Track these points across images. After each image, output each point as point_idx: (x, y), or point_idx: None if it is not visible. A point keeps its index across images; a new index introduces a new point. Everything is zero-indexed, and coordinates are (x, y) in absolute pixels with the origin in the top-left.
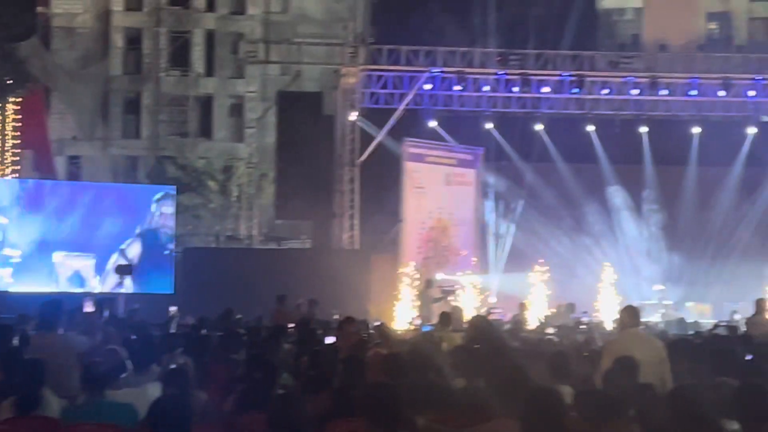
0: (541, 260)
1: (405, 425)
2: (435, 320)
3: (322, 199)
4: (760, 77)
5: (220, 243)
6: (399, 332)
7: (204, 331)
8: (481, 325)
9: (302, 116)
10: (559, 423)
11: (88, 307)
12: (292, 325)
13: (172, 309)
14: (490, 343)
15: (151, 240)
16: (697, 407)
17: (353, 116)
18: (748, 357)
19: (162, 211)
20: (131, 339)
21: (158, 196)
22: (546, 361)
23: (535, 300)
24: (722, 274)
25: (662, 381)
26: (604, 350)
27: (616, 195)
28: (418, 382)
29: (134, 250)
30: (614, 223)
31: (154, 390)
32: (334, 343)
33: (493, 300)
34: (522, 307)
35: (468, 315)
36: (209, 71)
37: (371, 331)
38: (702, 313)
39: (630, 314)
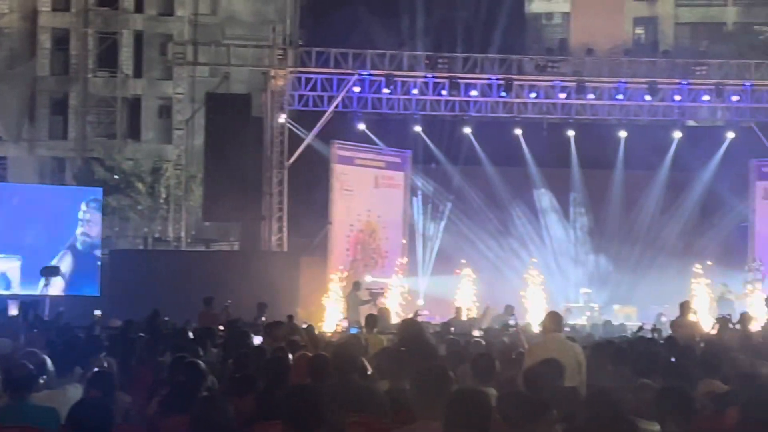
0: (463, 261)
1: (327, 428)
2: (363, 322)
3: (250, 201)
4: (686, 82)
5: (148, 245)
6: (327, 334)
7: (130, 334)
8: (410, 327)
9: (231, 118)
10: (483, 425)
11: (12, 310)
12: (221, 327)
13: (98, 312)
14: (416, 346)
15: (79, 249)
16: (615, 409)
17: (282, 118)
18: (672, 359)
19: (89, 217)
20: (55, 342)
21: (86, 202)
22: (471, 362)
23: (463, 302)
24: (648, 277)
25: (580, 384)
26: (526, 354)
27: (543, 198)
28: (341, 384)
29: (66, 263)
30: (541, 226)
31: (74, 392)
32: (260, 345)
33: (420, 302)
34: (458, 311)
35: (395, 317)
36: (137, 72)
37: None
38: (628, 316)
39: (552, 320)
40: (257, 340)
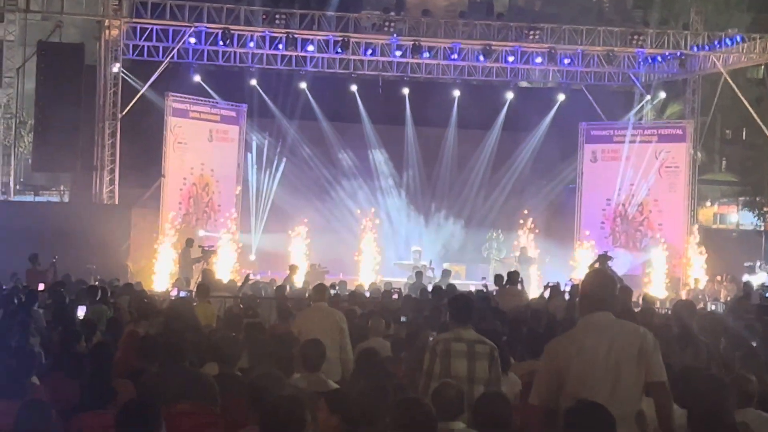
0: (304, 219)
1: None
2: (194, 280)
3: (82, 151)
4: (518, 45)
5: None
6: (157, 296)
7: None
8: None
9: (64, 67)
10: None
11: None
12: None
13: None
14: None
15: None
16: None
17: (116, 68)
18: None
19: None
20: None
21: None
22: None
23: (296, 259)
24: (478, 236)
25: (342, 350)
26: (294, 322)
27: (377, 155)
28: (169, 370)
29: None
30: (375, 184)
31: None
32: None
33: (252, 258)
34: (292, 269)
35: (227, 274)
36: None
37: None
38: (458, 274)
39: (316, 291)
40: (81, 310)
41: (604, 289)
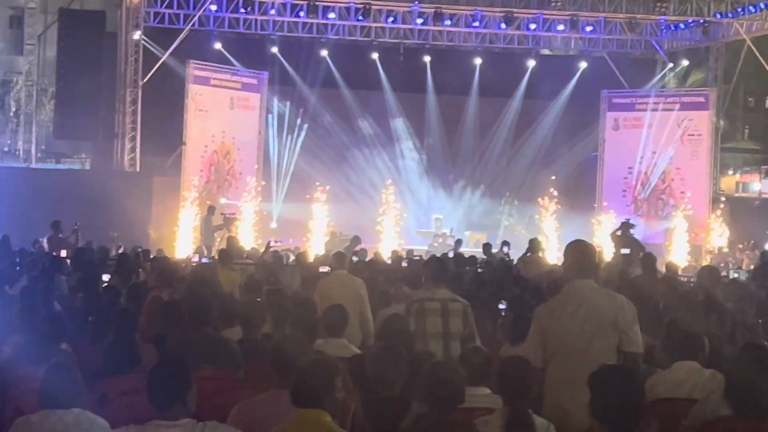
0: (320, 186)
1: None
2: (216, 247)
3: (103, 119)
4: (540, 12)
5: None
6: (180, 263)
7: None
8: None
9: (85, 34)
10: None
11: None
12: (64, 254)
13: None
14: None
15: None
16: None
17: (137, 35)
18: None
19: None
20: None
21: None
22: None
23: (317, 227)
24: (499, 204)
25: (362, 316)
26: (316, 289)
27: (399, 123)
28: (193, 334)
29: None
30: (396, 152)
31: None
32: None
33: (273, 225)
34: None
35: (250, 241)
36: None
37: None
38: (479, 242)
39: (336, 259)
40: (105, 277)
41: (586, 258)
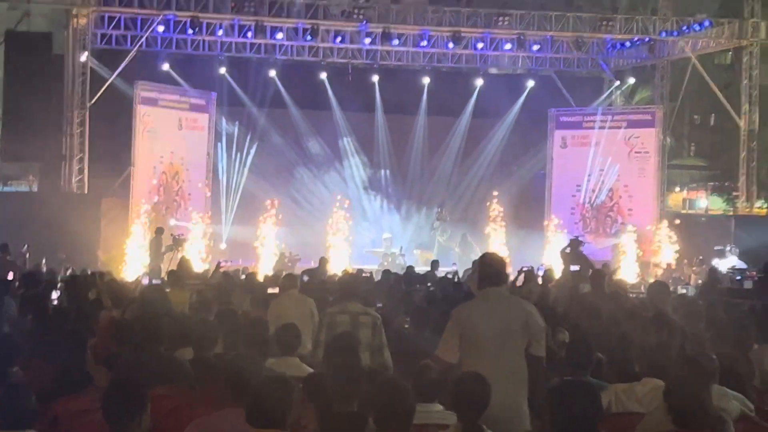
0: (269, 206)
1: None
2: (165, 268)
3: (51, 141)
4: (488, 31)
5: None
6: (129, 284)
7: None
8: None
9: (32, 56)
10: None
11: None
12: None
13: None
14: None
15: None
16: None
17: (84, 57)
18: None
19: None
20: None
21: None
22: None
23: (265, 246)
24: (448, 223)
25: (314, 334)
26: (268, 310)
27: (348, 143)
28: (146, 354)
29: None
30: (345, 172)
31: None
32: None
33: (223, 246)
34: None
35: (199, 263)
36: None
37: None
38: (428, 261)
39: (287, 279)
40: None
41: (497, 268)
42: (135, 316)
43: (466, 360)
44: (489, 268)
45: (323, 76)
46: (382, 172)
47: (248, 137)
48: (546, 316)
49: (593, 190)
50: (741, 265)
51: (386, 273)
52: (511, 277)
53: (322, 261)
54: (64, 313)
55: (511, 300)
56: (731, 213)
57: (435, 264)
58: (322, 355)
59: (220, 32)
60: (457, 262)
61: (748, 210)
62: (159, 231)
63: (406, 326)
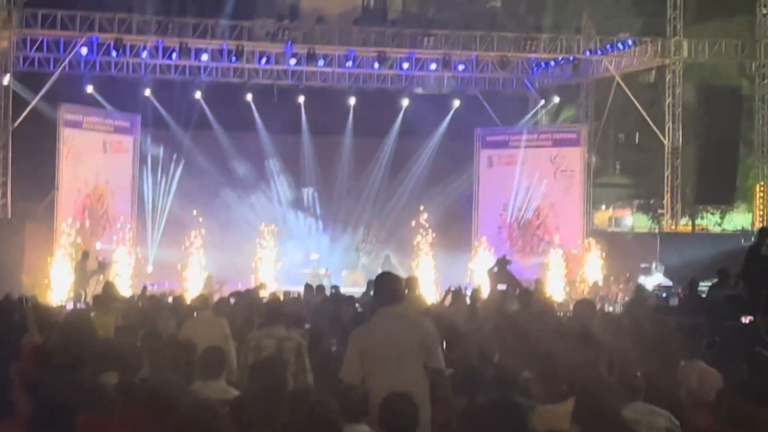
0: (200, 230)
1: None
2: (91, 292)
3: None
4: (413, 51)
5: None
6: (54, 309)
7: None
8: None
9: None
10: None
11: None
12: None
13: None
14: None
15: None
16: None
17: (6, 80)
18: None
19: None
20: None
21: None
22: None
23: (192, 269)
24: (373, 244)
25: (228, 356)
26: (180, 331)
27: (274, 164)
28: (69, 380)
29: None
30: (272, 193)
31: None
32: None
33: (149, 269)
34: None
35: (126, 287)
36: None
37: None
38: (356, 282)
39: (199, 300)
40: None
41: (394, 286)
42: (57, 341)
43: (368, 379)
44: (384, 288)
45: (249, 97)
46: (309, 192)
47: (173, 159)
48: (473, 335)
49: (520, 209)
50: (667, 282)
51: (308, 287)
52: (439, 297)
53: (261, 285)
54: None
55: (408, 318)
56: (656, 231)
57: (370, 284)
58: (246, 378)
59: (145, 54)
60: None
61: (673, 228)
62: (84, 255)
63: (334, 348)
